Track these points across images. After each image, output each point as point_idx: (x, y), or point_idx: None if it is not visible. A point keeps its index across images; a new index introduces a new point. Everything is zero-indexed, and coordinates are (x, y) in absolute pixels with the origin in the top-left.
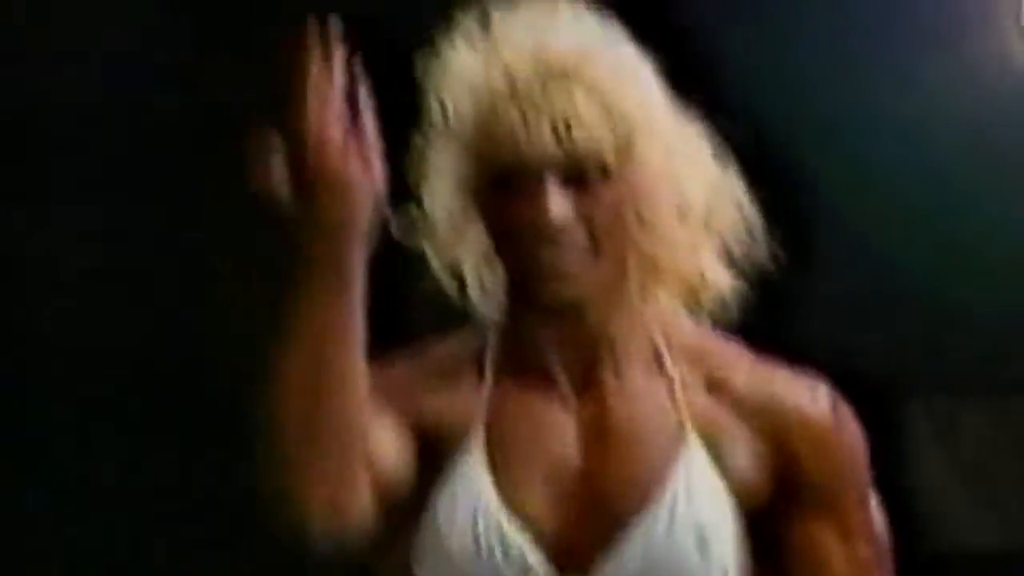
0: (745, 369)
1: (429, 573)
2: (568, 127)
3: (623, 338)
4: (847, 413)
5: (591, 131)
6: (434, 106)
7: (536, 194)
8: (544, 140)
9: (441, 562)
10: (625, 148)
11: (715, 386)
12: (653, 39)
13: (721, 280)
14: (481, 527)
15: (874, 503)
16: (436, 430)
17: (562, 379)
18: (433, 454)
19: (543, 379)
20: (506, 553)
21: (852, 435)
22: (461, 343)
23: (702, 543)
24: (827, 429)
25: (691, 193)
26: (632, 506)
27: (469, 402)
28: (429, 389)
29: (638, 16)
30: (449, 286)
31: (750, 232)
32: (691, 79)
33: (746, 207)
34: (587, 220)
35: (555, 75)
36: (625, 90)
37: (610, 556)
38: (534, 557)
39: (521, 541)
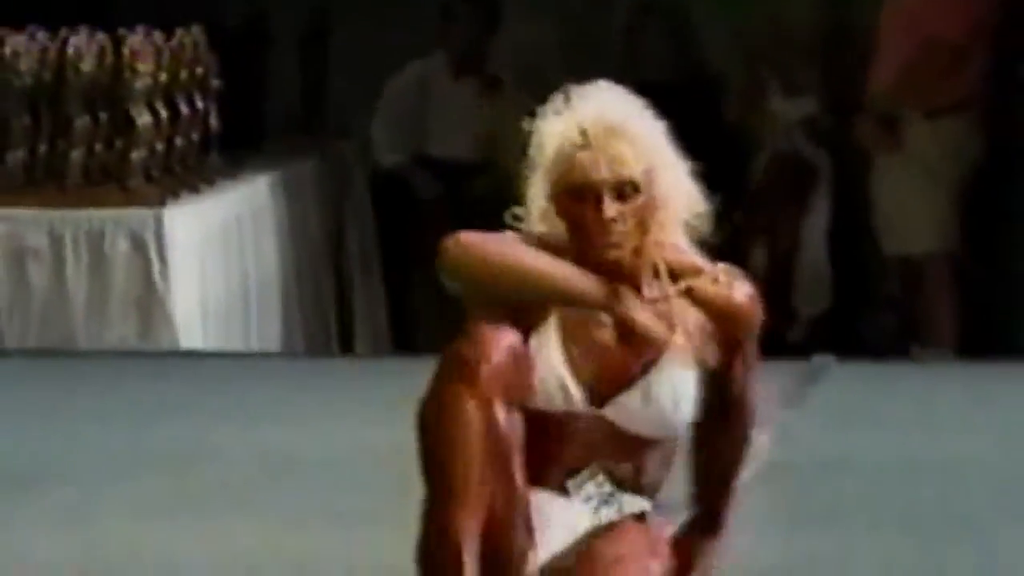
0: (702, 278)
1: None
2: (617, 163)
3: (640, 274)
4: (756, 294)
5: (630, 167)
6: (534, 151)
7: (598, 201)
8: (602, 170)
9: None
10: (648, 177)
11: (689, 293)
12: None
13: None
14: (549, 374)
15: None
16: (526, 315)
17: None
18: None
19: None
20: (561, 389)
21: (759, 309)
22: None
23: (675, 402)
24: (749, 311)
25: (678, 208)
26: (639, 374)
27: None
28: None
29: None
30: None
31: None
32: None
33: (702, 211)
34: (625, 215)
35: (610, 132)
36: (650, 142)
37: (619, 401)
38: (577, 394)
39: (571, 383)
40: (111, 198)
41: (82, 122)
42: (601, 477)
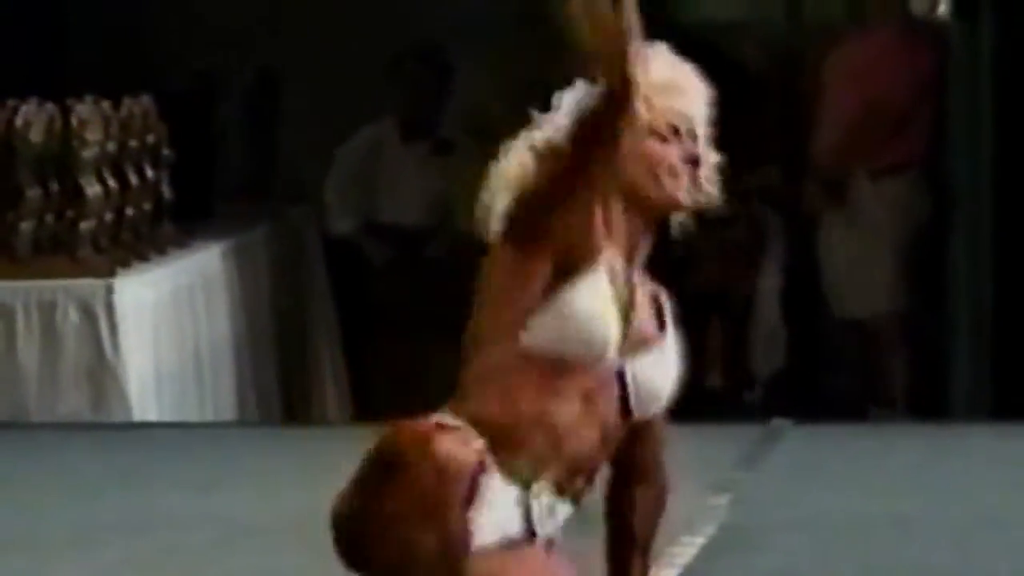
0: None
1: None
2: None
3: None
4: None
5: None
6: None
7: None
8: (698, 111)
9: (560, 328)
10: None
11: None
12: None
13: None
14: (594, 314)
15: None
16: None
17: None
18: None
19: None
20: (603, 330)
21: None
22: None
23: (671, 375)
24: None
25: None
26: (656, 337)
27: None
28: None
29: None
30: None
31: None
32: None
33: None
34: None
35: (695, 82)
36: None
37: (639, 357)
38: (615, 337)
39: (614, 324)
40: (61, 269)
41: (32, 192)
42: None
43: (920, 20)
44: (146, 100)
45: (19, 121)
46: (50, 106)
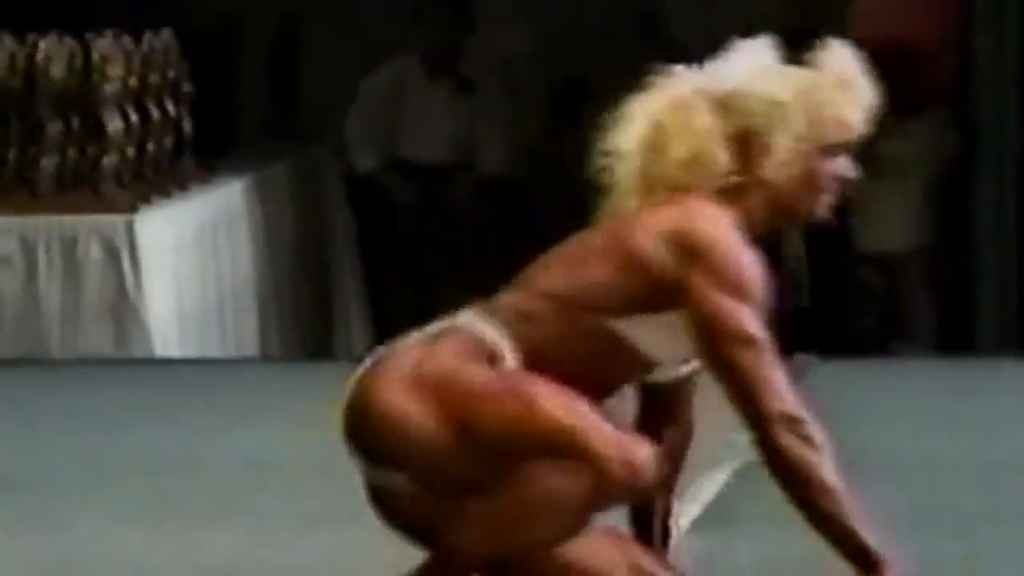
0: None
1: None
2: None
3: None
4: None
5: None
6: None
7: (839, 159)
8: (859, 130)
9: (665, 340)
10: None
11: None
12: None
13: None
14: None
15: None
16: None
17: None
18: None
19: None
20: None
21: None
22: None
23: None
24: None
25: None
26: None
27: None
28: None
29: None
30: None
31: None
32: None
33: None
34: None
35: (863, 91)
36: None
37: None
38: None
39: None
40: (83, 204)
41: (54, 128)
42: None
43: None
44: (167, 35)
45: (40, 56)
46: (70, 41)
